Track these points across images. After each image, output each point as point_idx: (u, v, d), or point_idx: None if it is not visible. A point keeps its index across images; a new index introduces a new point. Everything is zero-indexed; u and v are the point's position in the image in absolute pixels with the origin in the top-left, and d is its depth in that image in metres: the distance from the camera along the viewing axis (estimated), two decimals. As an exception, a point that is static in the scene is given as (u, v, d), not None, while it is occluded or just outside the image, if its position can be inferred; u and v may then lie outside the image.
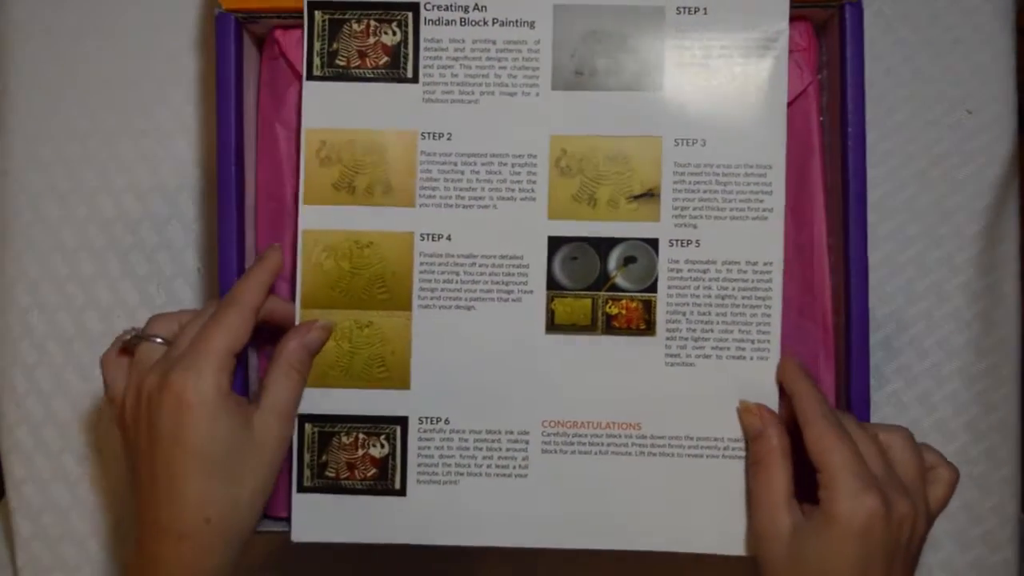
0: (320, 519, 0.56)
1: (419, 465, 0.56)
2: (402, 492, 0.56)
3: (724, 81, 0.55)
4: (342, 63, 0.56)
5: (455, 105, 0.56)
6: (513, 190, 0.55)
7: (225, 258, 0.56)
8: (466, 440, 0.56)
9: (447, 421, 0.56)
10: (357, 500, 0.56)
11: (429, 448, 0.56)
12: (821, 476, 0.49)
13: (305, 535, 0.56)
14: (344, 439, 0.56)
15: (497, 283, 0.55)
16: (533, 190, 0.55)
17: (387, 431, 0.56)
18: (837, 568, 0.48)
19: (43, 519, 0.69)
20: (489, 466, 0.56)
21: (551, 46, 0.55)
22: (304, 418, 0.56)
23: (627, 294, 0.55)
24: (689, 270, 0.55)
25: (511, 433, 0.56)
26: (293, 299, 0.56)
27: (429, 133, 0.56)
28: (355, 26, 0.56)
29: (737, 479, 0.55)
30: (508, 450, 0.56)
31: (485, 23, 0.56)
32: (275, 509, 0.57)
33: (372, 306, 0.56)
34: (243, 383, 0.56)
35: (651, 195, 0.55)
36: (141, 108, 0.69)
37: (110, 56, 0.69)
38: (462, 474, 0.56)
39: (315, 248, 0.56)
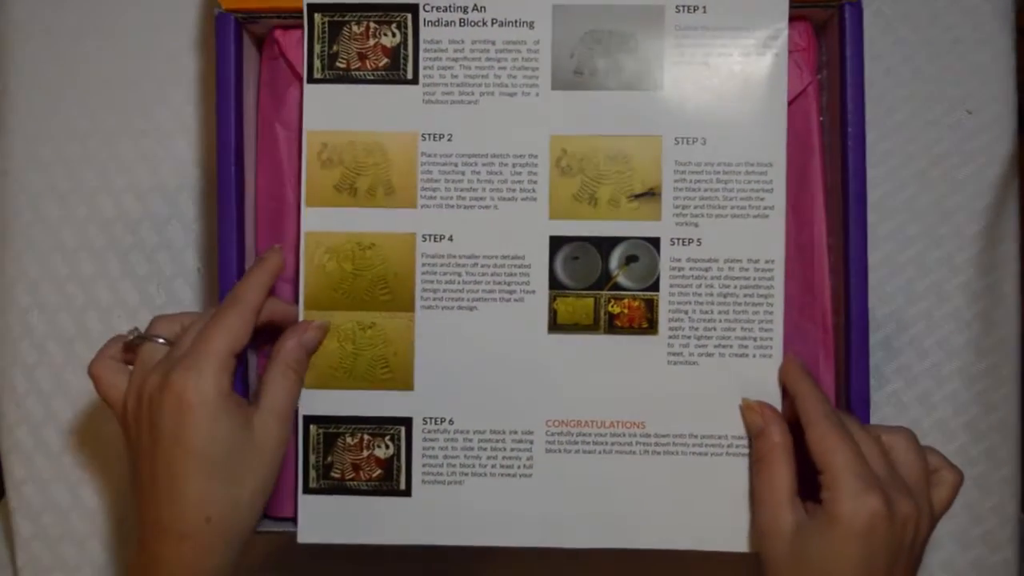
0: (326, 520, 0.56)
1: (424, 466, 0.56)
2: (407, 493, 0.56)
3: (724, 79, 0.55)
4: (342, 65, 0.56)
5: (455, 106, 0.56)
6: (514, 190, 0.56)
7: (225, 258, 0.56)
8: (470, 440, 0.56)
9: (451, 421, 0.56)
10: (362, 501, 0.56)
11: (433, 448, 0.56)
12: (823, 476, 0.49)
13: (311, 536, 0.56)
14: (349, 440, 0.56)
15: (499, 283, 0.56)
16: (534, 190, 0.55)
17: (391, 432, 0.56)
18: (839, 568, 0.48)
19: (43, 519, 0.69)
20: (494, 466, 0.56)
21: (550, 46, 0.56)
22: (309, 419, 0.56)
23: (629, 293, 0.55)
24: (691, 268, 0.55)
25: (515, 433, 0.56)
26: (296, 301, 0.56)
27: (429, 134, 0.56)
28: (355, 28, 0.56)
29: (741, 476, 0.55)
30: (512, 450, 0.56)
31: (484, 24, 0.56)
32: (280, 509, 0.57)
33: (375, 307, 0.56)
34: (243, 384, 0.56)
35: (652, 194, 0.55)
36: (141, 108, 0.69)
37: (110, 56, 0.69)
38: (467, 474, 0.56)
39: (317, 250, 0.56)
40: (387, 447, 0.56)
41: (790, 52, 0.56)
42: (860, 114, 0.55)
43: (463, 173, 0.56)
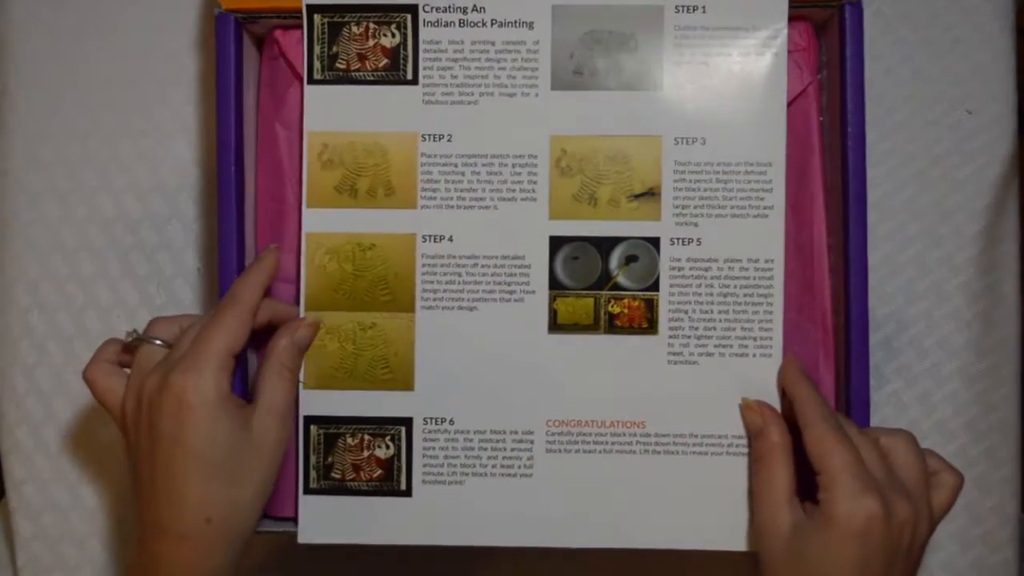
0: (327, 520, 0.56)
1: (424, 466, 0.56)
2: (408, 493, 0.56)
3: (723, 79, 0.55)
4: (342, 66, 0.56)
5: (455, 106, 0.56)
6: (514, 190, 0.56)
7: (225, 258, 0.56)
8: (471, 440, 0.56)
9: (451, 421, 0.56)
10: (363, 501, 0.56)
11: (434, 449, 0.56)
12: (821, 478, 0.49)
13: (312, 537, 0.56)
14: (349, 441, 0.56)
15: (499, 283, 0.56)
16: (534, 190, 0.56)
17: (392, 432, 0.56)
18: (835, 570, 0.48)
19: (43, 519, 0.69)
20: (494, 466, 0.56)
21: (550, 46, 0.56)
22: (309, 420, 0.56)
23: (629, 293, 0.55)
24: (691, 268, 0.55)
25: (515, 433, 0.56)
26: (297, 302, 0.56)
27: (429, 135, 0.56)
28: (354, 29, 0.56)
29: (741, 476, 0.55)
30: (513, 450, 0.56)
31: (484, 24, 0.56)
32: (280, 509, 0.57)
33: (375, 308, 0.56)
34: (242, 384, 0.56)
35: (652, 194, 0.55)
36: (141, 108, 0.69)
37: (110, 56, 0.69)
38: (467, 474, 0.56)
39: (318, 251, 0.56)
40: (387, 447, 0.56)
41: (790, 52, 0.56)
42: (860, 114, 0.55)
43: (463, 174, 0.56)
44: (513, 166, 0.56)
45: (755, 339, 0.55)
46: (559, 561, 0.66)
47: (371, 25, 0.56)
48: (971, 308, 0.67)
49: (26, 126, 0.68)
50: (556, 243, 0.56)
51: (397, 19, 0.56)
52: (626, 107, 0.55)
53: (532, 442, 0.56)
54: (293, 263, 0.57)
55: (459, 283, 0.56)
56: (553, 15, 0.55)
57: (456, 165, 0.56)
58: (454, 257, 0.56)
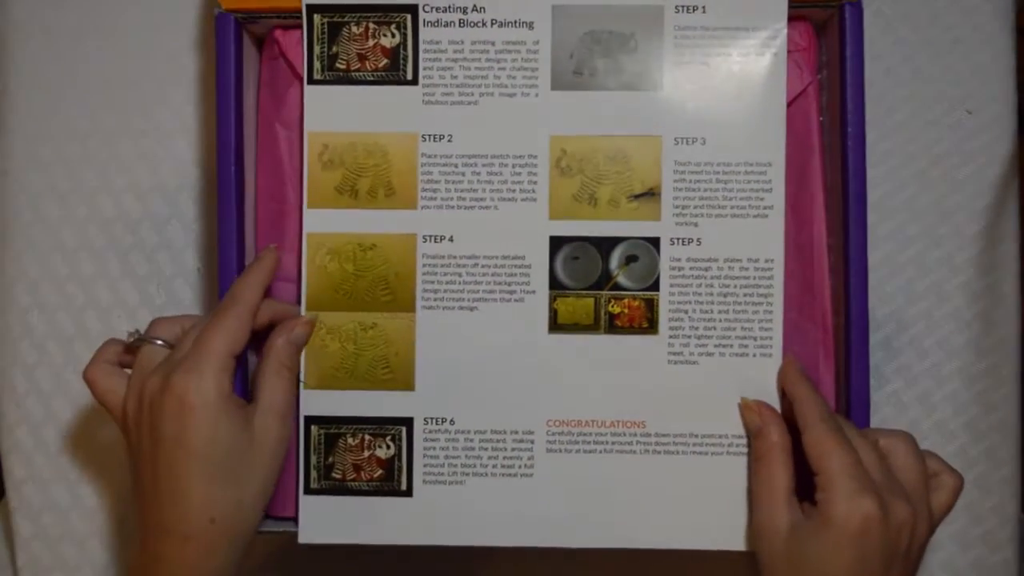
0: (327, 521, 0.56)
1: (425, 466, 0.56)
2: (408, 493, 0.56)
3: (723, 79, 0.55)
4: (342, 66, 0.56)
5: (455, 107, 0.56)
6: (514, 191, 0.56)
7: (225, 258, 0.56)
8: (471, 440, 0.56)
9: (452, 421, 0.56)
10: (364, 501, 0.56)
11: (434, 449, 0.56)
12: (819, 479, 0.49)
13: (312, 537, 0.56)
14: (350, 441, 0.56)
15: (499, 283, 0.56)
16: (534, 190, 0.56)
17: (392, 432, 0.56)
18: (833, 570, 0.48)
19: (43, 519, 0.69)
20: (495, 466, 0.56)
21: (550, 46, 0.56)
22: (310, 420, 0.56)
23: (629, 293, 0.55)
24: (691, 268, 0.55)
25: (516, 433, 0.56)
26: (298, 302, 0.56)
27: (430, 135, 0.56)
28: (354, 29, 0.56)
29: (741, 476, 0.55)
30: (513, 450, 0.56)
31: (484, 24, 0.56)
32: (281, 509, 0.57)
33: (376, 308, 0.56)
34: (243, 385, 0.56)
35: (652, 194, 0.55)
36: (141, 108, 0.69)
37: (110, 56, 0.69)
38: (468, 474, 0.56)
39: (319, 251, 0.56)
40: (388, 447, 0.56)
41: (790, 52, 0.56)
42: (860, 114, 0.55)
43: (463, 174, 0.56)
44: (513, 166, 0.56)
45: (755, 339, 0.55)
46: (560, 561, 0.66)
47: (371, 25, 0.56)
48: (971, 308, 0.67)
49: (26, 126, 0.68)
50: (556, 243, 0.56)
51: (397, 19, 0.56)
52: (626, 107, 0.55)
53: (532, 442, 0.56)
54: (294, 263, 0.57)
55: (459, 283, 0.56)
56: (553, 15, 0.55)
57: (456, 165, 0.56)
58: (454, 257, 0.56)
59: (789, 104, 0.56)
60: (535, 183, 0.56)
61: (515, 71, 0.56)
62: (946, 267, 0.67)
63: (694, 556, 0.55)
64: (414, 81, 0.56)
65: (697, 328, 0.55)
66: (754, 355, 0.55)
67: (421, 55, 0.56)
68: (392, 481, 0.56)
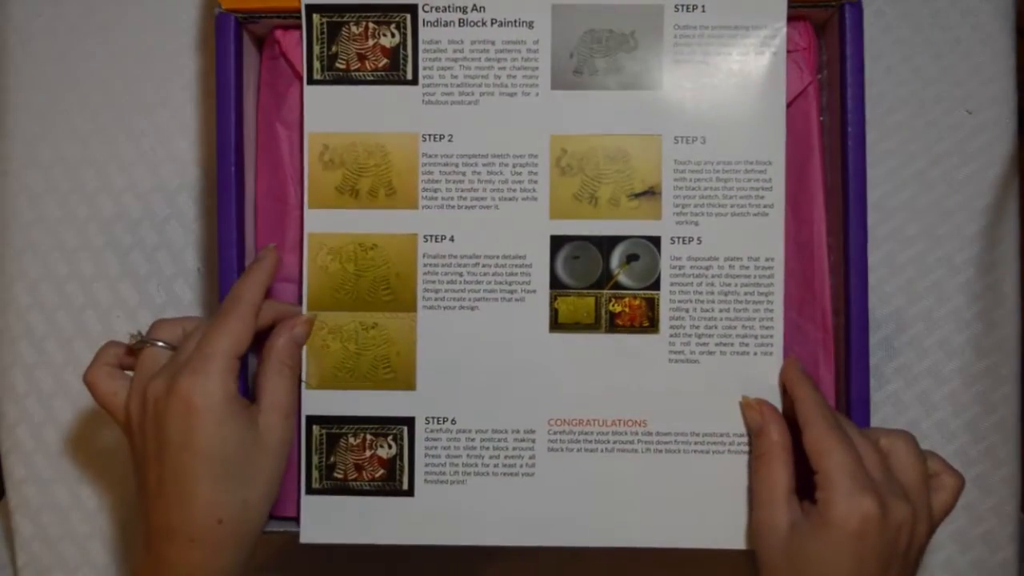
0: (329, 520, 0.56)
1: (426, 465, 0.56)
2: (410, 492, 0.56)
3: (723, 78, 0.55)
4: (342, 66, 0.56)
5: (455, 106, 0.56)
6: (515, 190, 0.56)
7: (225, 258, 0.56)
8: (472, 440, 0.56)
9: (453, 421, 0.56)
10: (365, 501, 0.56)
11: (436, 448, 0.56)
12: (818, 478, 0.49)
13: (314, 537, 0.56)
14: (351, 440, 0.56)
15: (500, 283, 0.56)
16: (534, 190, 0.56)
17: (394, 432, 0.56)
18: (831, 569, 0.48)
19: (43, 519, 0.69)
20: (496, 465, 0.56)
21: (550, 46, 0.56)
22: (311, 420, 0.56)
23: (630, 292, 0.56)
24: (691, 267, 0.55)
25: (517, 432, 0.56)
26: (299, 302, 0.56)
27: (430, 135, 0.56)
28: (354, 28, 0.56)
29: (742, 474, 0.55)
30: (515, 449, 0.56)
31: (484, 24, 0.56)
32: (282, 509, 0.57)
33: (377, 308, 0.56)
34: (243, 385, 0.56)
35: (652, 193, 0.55)
36: (141, 108, 0.69)
37: (110, 56, 0.69)
38: (469, 474, 0.56)
39: (320, 251, 0.56)
40: (390, 447, 0.56)
41: (790, 52, 0.56)
42: (860, 114, 0.55)
43: (464, 173, 0.56)
44: (514, 166, 0.56)
45: (756, 337, 0.55)
46: (561, 560, 0.66)
47: (370, 25, 0.56)
48: (971, 308, 0.67)
49: (26, 126, 0.68)
50: (557, 242, 0.56)
51: (396, 19, 0.56)
52: (626, 106, 0.55)
53: (534, 441, 0.56)
54: (295, 263, 0.57)
55: (460, 283, 0.56)
56: (553, 14, 0.55)
57: (457, 165, 0.56)
58: (455, 257, 0.56)
59: (789, 104, 0.56)
60: (535, 182, 0.56)
61: (515, 70, 0.56)
62: (946, 267, 0.67)
63: (694, 555, 0.55)
64: (414, 81, 0.56)
65: (698, 327, 0.55)
66: (755, 354, 0.55)
67: (421, 55, 0.56)
68: (393, 481, 0.56)
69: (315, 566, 0.68)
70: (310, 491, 0.56)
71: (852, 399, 0.55)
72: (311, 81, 0.56)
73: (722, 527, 0.55)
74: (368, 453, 0.56)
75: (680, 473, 0.55)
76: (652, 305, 0.56)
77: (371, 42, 0.56)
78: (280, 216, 0.58)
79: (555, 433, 0.56)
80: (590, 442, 0.56)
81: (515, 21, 0.56)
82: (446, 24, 0.56)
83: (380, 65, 0.56)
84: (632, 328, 0.56)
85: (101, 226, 0.68)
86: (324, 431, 0.56)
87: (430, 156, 0.56)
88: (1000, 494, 0.67)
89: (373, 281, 0.56)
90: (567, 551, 0.55)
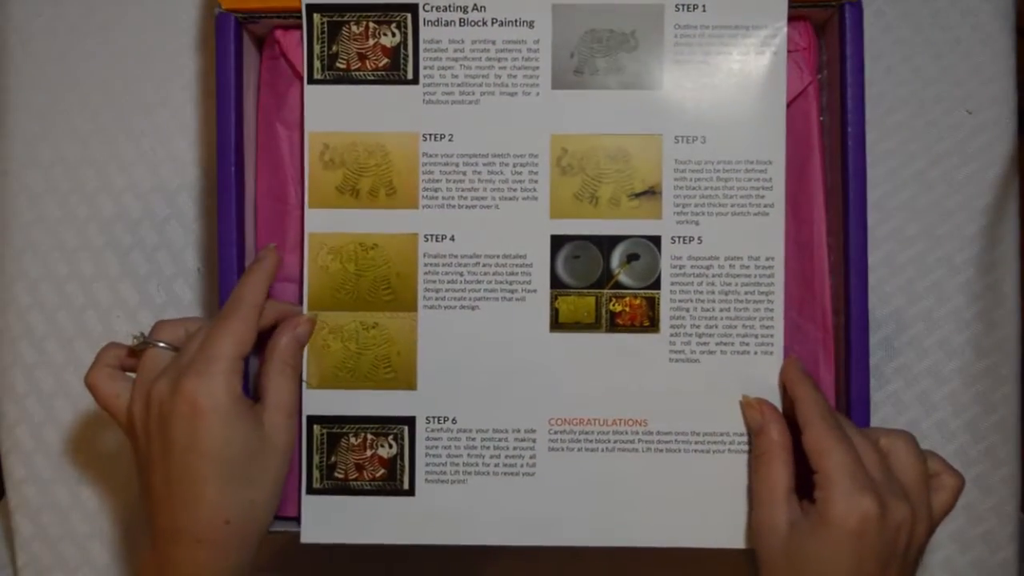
0: (329, 520, 0.56)
1: (427, 465, 0.56)
2: (411, 492, 0.56)
3: (723, 77, 0.55)
4: (342, 66, 0.56)
5: (456, 106, 0.56)
6: (515, 190, 0.56)
7: (225, 258, 0.56)
8: (473, 439, 0.56)
9: (454, 420, 0.56)
10: (366, 501, 0.56)
11: (437, 448, 0.56)
12: (818, 477, 0.49)
13: (315, 536, 0.56)
14: (352, 440, 0.56)
15: (501, 283, 0.56)
16: (535, 189, 0.56)
17: (395, 431, 0.56)
18: (830, 569, 0.48)
19: (43, 519, 0.69)
20: (497, 465, 0.56)
21: (550, 45, 0.56)
22: (312, 420, 0.56)
23: (630, 291, 0.56)
24: (692, 267, 0.55)
25: (518, 431, 0.56)
26: (300, 302, 0.56)
27: (430, 134, 0.56)
28: (354, 28, 0.56)
29: (743, 474, 0.55)
30: (515, 448, 0.56)
31: (484, 23, 0.56)
32: (283, 509, 0.57)
33: (378, 307, 0.56)
34: (246, 386, 0.56)
35: (652, 192, 0.55)
36: (141, 108, 0.69)
37: (110, 56, 0.69)
38: (470, 473, 0.56)
39: (320, 251, 0.56)
40: (390, 447, 0.56)
41: (790, 52, 0.56)
42: (860, 114, 0.55)
43: (464, 173, 0.56)
44: (514, 165, 0.56)
45: (756, 337, 0.55)
46: (562, 559, 0.66)
47: (371, 24, 0.56)
48: (971, 308, 0.67)
49: (26, 126, 0.68)
50: (557, 242, 0.56)
51: (397, 18, 0.56)
52: (626, 106, 0.55)
53: (534, 441, 0.56)
54: (295, 263, 0.57)
55: (461, 282, 0.56)
56: (553, 14, 0.55)
57: (457, 165, 0.56)
58: (456, 256, 0.56)
59: (789, 104, 0.56)
60: (536, 182, 0.56)
61: (516, 70, 0.56)
62: (946, 267, 0.67)
63: (694, 555, 0.55)
64: (414, 80, 0.56)
65: (698, 326, 0.55)
66: (755, 353, 0.55)
67: (421, 54, 0.56)
68: (394, 480, 0.56)
69: (316, 566, 0.68)
70: (311, 491, 0.56)
71: (852, 399, 0.55)
72: (311, 81, 0.56)
73: (722, 526, 0.55)
74: (369, 453, 0.56)
75: (680, 473, 0.55)
76: (652, 305, 0.56)
77: (371, 42, 0.56)
78: (280, 216, 0.58)
79: (555, 433, 0.56)
80: (590, 442, 0.56)
81: (516, 21, 0.56)
82: (447, 24, 0.56)
83: (380, 65, 0.56)
84: (632, 328, 0.56)
85: (101, 226, 0.69)
86: (325, 431, 0.56)
87: (430, 156, 0.56)
88: (1000, 494, 0.67)
89: (374, 281, 0.56)
90: (567, 551, 0.56)
